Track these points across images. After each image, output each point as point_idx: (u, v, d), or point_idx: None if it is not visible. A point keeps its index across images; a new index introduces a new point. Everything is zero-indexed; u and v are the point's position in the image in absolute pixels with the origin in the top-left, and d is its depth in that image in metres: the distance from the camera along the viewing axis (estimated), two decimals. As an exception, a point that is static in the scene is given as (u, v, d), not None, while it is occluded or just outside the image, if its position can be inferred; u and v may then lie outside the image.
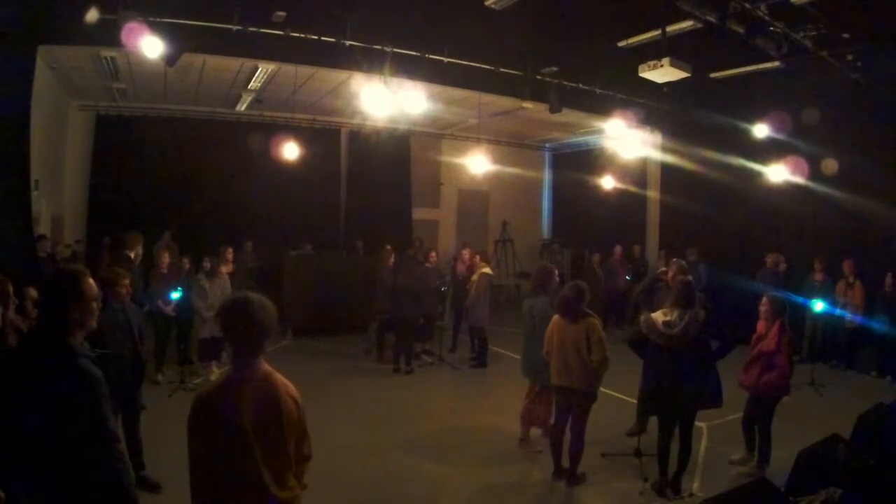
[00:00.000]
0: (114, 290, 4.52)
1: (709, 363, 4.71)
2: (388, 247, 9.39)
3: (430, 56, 8.77)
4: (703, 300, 5.03)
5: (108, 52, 8.51)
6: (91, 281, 2.45)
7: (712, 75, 9.53)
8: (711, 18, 6.74)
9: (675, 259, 6.67)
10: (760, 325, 5.27)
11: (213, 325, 6.89)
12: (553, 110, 10.15)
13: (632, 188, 13.27)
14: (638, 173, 13.31)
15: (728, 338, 4.71)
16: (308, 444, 2.43)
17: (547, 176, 17.62)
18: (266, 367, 2.32)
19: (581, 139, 15.45)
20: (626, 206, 13.74)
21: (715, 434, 5.98)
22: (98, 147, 12.08)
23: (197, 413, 2.19)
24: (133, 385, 4.53)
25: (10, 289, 4.43)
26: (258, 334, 2.27)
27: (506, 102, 11.01)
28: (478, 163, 11.90)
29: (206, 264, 7.60)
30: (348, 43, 8.15)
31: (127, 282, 4.60)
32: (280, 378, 2.34)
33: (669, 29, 7.28)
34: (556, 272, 5.96)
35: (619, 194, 13.06)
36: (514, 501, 4.80)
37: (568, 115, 11.55)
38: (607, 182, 12.45)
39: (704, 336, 4.66)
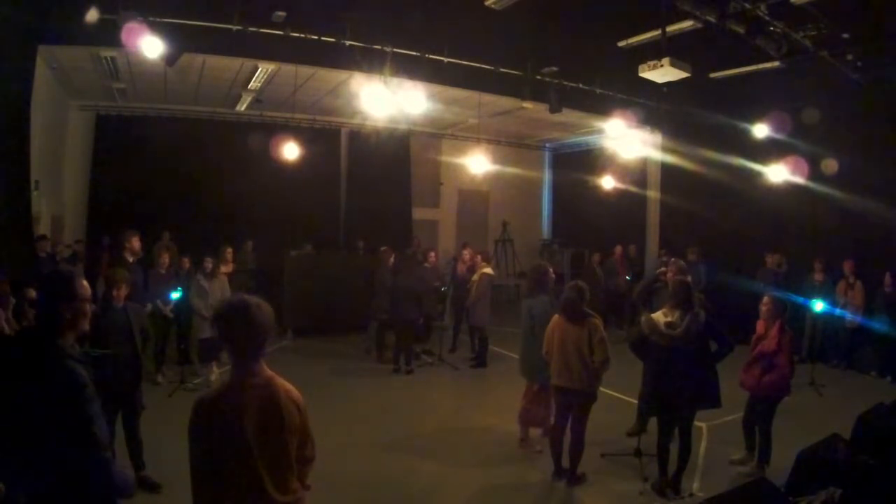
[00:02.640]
0: (112, 290, 4.55)
1: (708, 364, 4.72)
2: (385, 247, 9.38)
3: (430, 56, 8.76)
4: (703, 300, 5.03)
5: (108, 52, 8.51)
6: (84, 282, 2.45)
7: (712, 75, 9.53)
8: (711, 18, 6.75)
9: (673, 259, 6.67)
10: (759, 325, 5.27)
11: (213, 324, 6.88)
12: (553, 110, 10.15)
13: (632, 188, 13.27)
14: (638, 173, 13.31)
15: (726, 339, 4.71)
16: (311, 446, 2.42)
17: (547, 176, 17.62)
18: (267, 371, 2.30)
19: (581, 139, 15.44)
20: (626, 206, 13.74)
21: (715, 434, 5.98)
22: (98, 147, 12.08)
23: (197, 418, 2.18)
24: (132, 385, 4.54)
25: (8, 290, 4.44)
26: (257, 337, 2.24)
27: (506, 102, 11.01)
28: (478, 163, 11.91)
29: (208, 264, 7.60)
30: (348, 43, 8.15)
31: (123, 283, 4.62)
32: (282, 383, 2.32)
33: (669, 29, 7.27)
34: (551, 270, 5.96)
35: (619, 194, 13.06)
36: (513, 501, 4.80)
37: (568, 115, 11.55)
38: (607, 182, 12.46)
39: (704, 336, 4.66)
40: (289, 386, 2.34)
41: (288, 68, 9.24)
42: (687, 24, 7.27)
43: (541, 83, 9.86)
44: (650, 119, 11.72)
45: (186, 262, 8.23)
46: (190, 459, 2.18)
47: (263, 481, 2.17)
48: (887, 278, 8.38)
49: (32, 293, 4.58)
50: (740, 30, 6.96)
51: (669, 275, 5.74)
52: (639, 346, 4.95)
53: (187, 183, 12.29)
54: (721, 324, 4.83)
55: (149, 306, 7.07)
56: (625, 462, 5.26)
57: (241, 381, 2.24)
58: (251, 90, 10.96)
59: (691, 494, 4.70)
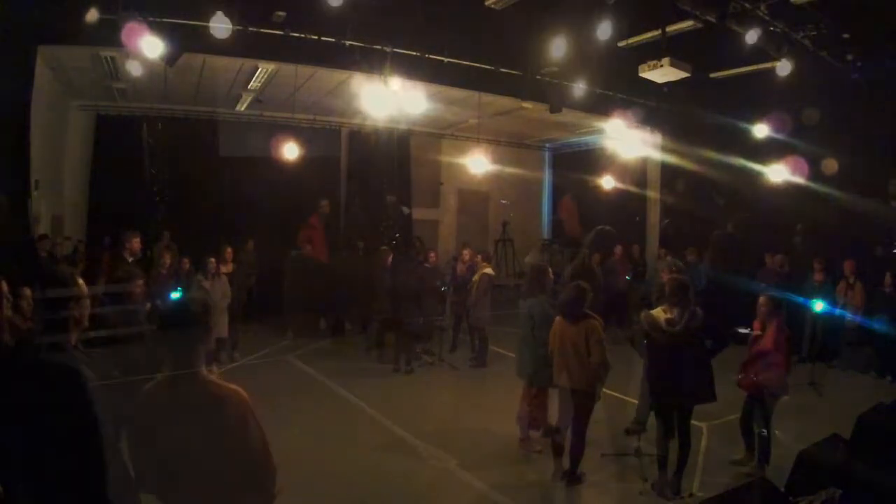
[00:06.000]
0: (129, 289, 4.54)
1: (704, 360, 4.73)
2: (384, 247, 9.38)
3: (430, 56, 8.76)
4: (699, 300, 5.03)
5: (108, 52, 8.50)
6: (81, 281, 2.47)
7: (712, 75, 9.53)
8: (711, 18, 6.75)
9: (668, 258, 6.67)
10: (757, 325, 5.26)
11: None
12: (553, 110, 10.15)
13: (632, 188, 13.26)
14: (638, 173, 13.31)
15: (722, 336, 4.72)
16: (264, 457, 2.29)
17: (547, 176, 17.61)
18: (203, 377, 2.21)
19: (581, 139, 15.44)
20: (626, 206, 13.74)
21: (715, 434, 5.97)
22: (98, 147, 12.07)
23: (137, 414, 2.20)
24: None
25: (6, 290, 4.42)
26: (194, 338, 2.21)
27: (506, 102, 11.00)
28: (478, 163, 11.90)
29: (213, 263, 7.60)
30: (348, 43, 8.15)
31: (141, 281, 4.64)
32: (216, 390, 2.21)
33: (669, 29, 7.28)
34: (550, 270, 5.96)
35: (619, 194, 13.05)
36: (514, 501, 4.80)
37: (568, 115, 11.54)
38: (607, 182, 12.45)
39: (701, 334, 4.67)
40: (229, 390, 2.23)
41: (288, 68, 9.23)
42: (687, 24, 7.27)
43: (541, 83, 9.85)
44: (650, 119, 11.71)
45: (186, 263, 8.22)
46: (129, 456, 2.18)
47: (186, 495, 2.14)
48: (887, 278, 8.37)
49: (28, 292, 4.57)
50: (740, 30, 6.97)
51: (665, 275, 5.74)
52: (641, 342, 4.95)
53: (187, 183, 12.27)
54: (715, 321, 4.83)
55: (148, 306, 7.07)
56: (625, 462, 5.26)
57: (168, 386, 2.21)
58: (251, 90, 10.95)
59: (691, 494, 4.70)
